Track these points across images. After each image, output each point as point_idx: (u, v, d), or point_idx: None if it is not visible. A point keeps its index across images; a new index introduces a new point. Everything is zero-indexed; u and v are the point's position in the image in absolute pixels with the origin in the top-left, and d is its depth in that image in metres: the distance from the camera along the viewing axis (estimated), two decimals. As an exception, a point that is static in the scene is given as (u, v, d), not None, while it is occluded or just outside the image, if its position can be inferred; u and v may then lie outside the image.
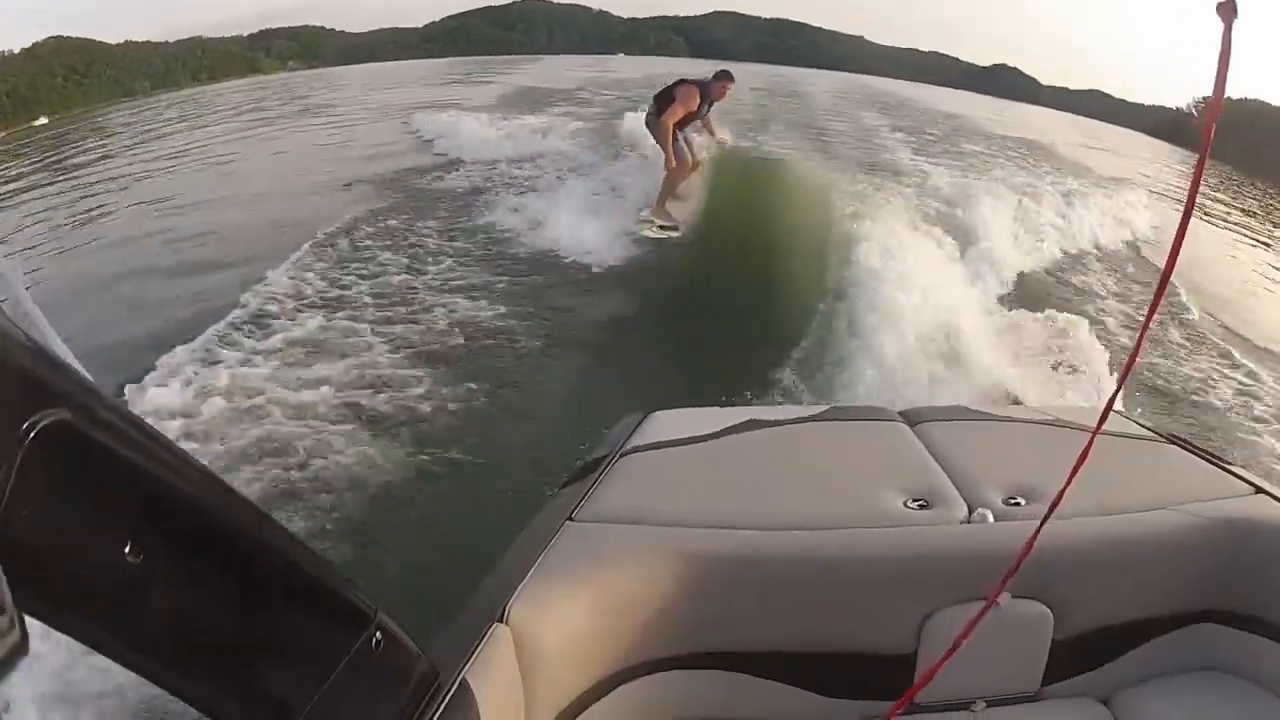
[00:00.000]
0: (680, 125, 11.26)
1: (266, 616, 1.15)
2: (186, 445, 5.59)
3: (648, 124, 11.69)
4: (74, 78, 71.06)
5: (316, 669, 1.22)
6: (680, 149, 11.32)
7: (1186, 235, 1.36)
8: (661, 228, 11.11)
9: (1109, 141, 44.57)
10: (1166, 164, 40.53)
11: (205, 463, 1.05)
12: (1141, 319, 10.77)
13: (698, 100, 11.16)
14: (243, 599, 1.10)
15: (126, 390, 6.67)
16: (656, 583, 2.14)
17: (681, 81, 11.37)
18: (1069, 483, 1.65)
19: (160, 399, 6.60)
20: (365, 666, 1.30)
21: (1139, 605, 2.39)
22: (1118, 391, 1.65)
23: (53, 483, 0.80)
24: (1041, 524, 1.71)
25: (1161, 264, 13.89)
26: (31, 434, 0.77)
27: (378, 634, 1.33)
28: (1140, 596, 2.38)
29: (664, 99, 11.19)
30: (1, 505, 0.75)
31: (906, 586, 2.24)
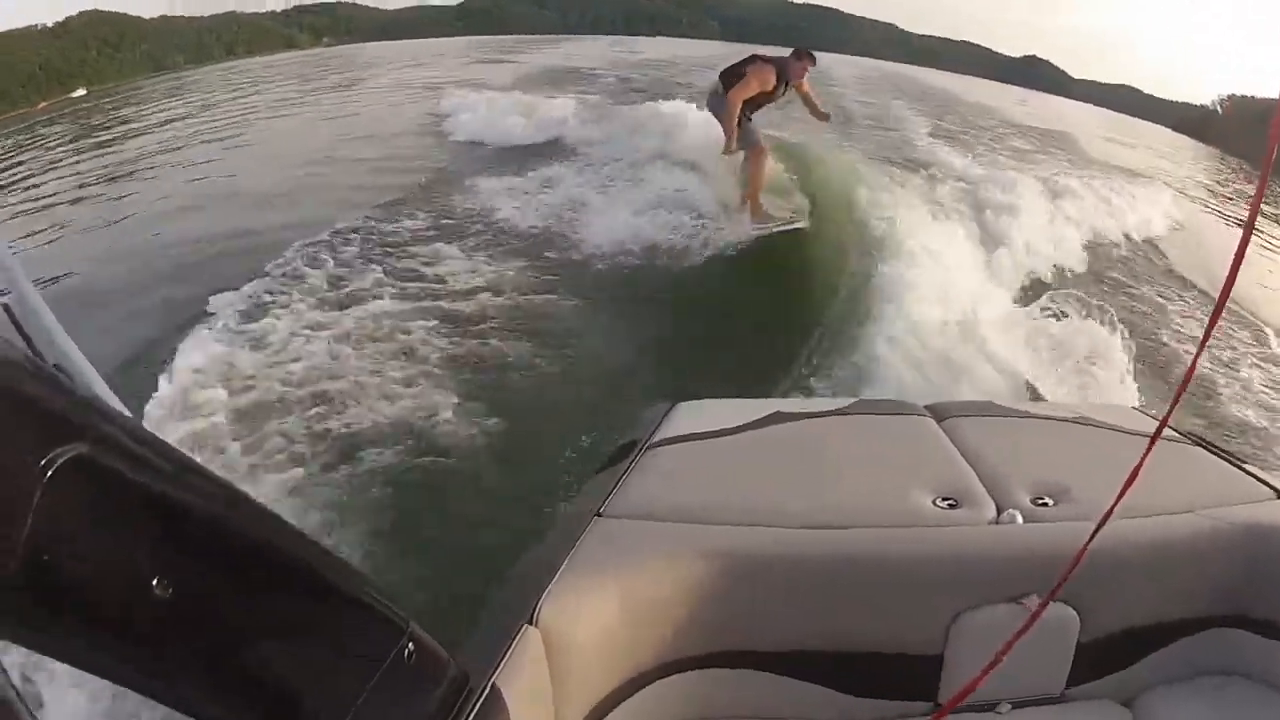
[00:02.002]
0: (750, 106, 9.93)
1: (301, 637, 1.14)
2: (214, 442, 5.69)
3: (710, 106, 10.40)
4: (106, 51, 71.13)
5: (351, 686, 1.21)
6: (751, 132, 10.07)
7: (1243, 244, 1.36)
8: (777, 229, 9.71)
9: (1136, 136, 44.04)
10: (1192, 160, 40.13)
11: (229, 475, 1.07)
12: (1165, 319, 10.81)
13: (774, 80, 9.77)
14: (277, 621, 1.08)
15: (160, 382, 6.61)
16: (685, 581, 2.14)
17: (755, 57, 9.98)
18: (1122, 493, 1.67)
19: (182, 394, 6.56)
20: (399, 679, 1.30)
21: (1163, 609, 2.40)
22: (1175, 403, 1.66)
23: (73, 522, 0.77)
24: (1091, 537, 1.74)
25: (1184, 262, 13.89)
26: (49, 473, 0.74)
27: (410, 645, 1.33)
28: (1164, 600, 2.40)
29: (732, 75, 9.88)
30: (20, 549, 0.72)
31: (935, 587, 2.25)
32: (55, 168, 20.34)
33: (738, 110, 9.71)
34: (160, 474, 0.87)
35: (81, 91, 50.20)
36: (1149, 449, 1.61)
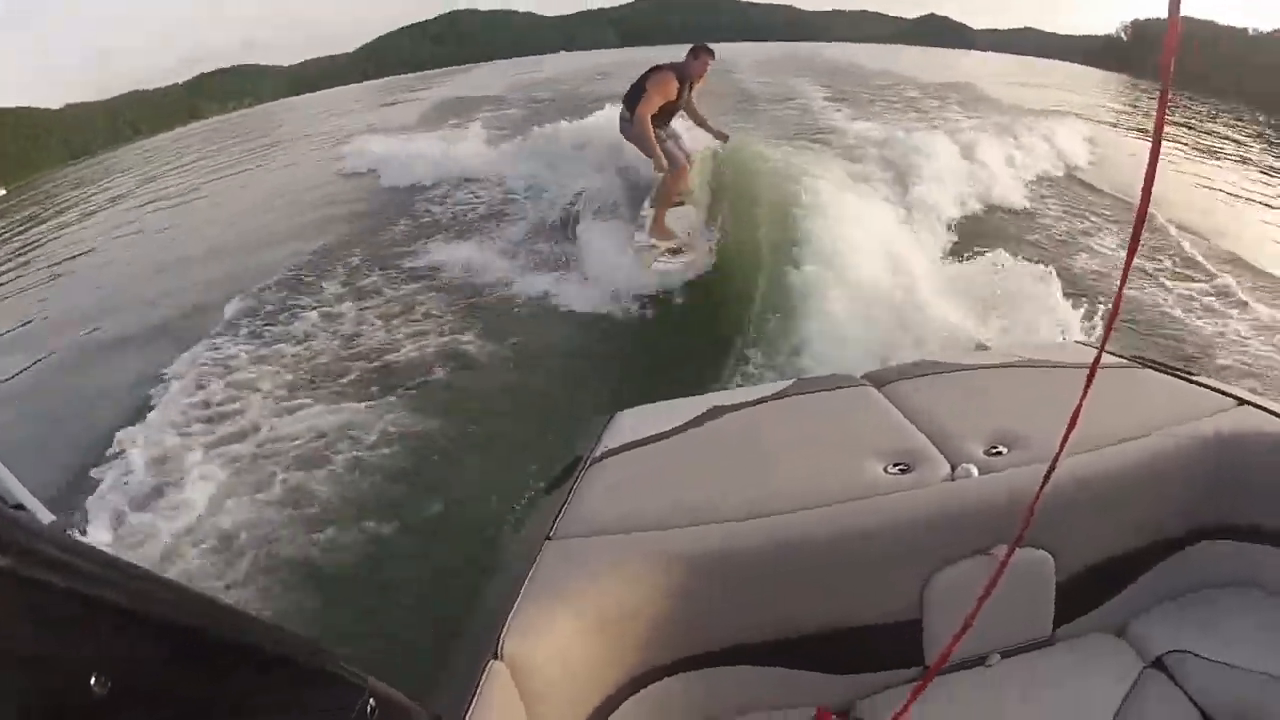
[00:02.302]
0: (660, 117, 9.40)
1: (251, 715, 1.09)
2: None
3: (622, 131, 9.83)
4: (24, 147, 70.83)
5: None
6: (670, 149, 9.44)
7: (1153, 163, 1.37)
8: (671, 252, 9.13)
9: (1043, 76, 44.82)
10: (1101, 90, 40.88)
11: (158, 566, 0.98)
12: (1090, 245, 10.91)
13: (675, 86, 9.27)
14: (225, 704, 1.03)
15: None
16: (647, 591, 2.11)
17: (653, 69, 9.43)
18: (1070, 429, 1.67)
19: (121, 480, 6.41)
20: None
21: (1137, 534, 2.41)
22: (1109, 332, 1.66)
23: (7, 633, 0.75)
24: (1046, 478, 1.75)
25: (1103, 188, 14.08)
26: None
27: (371, 701, 1.28)
28: (1137, 525, 2.40)
29: (635, 94, 9.38)
30: None
31: (902, 553, 2.23)
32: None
33: (649, 127, 9.19)
34: (87, 576, 0.84)
35: (1, 192, 49.71)
36: (1089, 381, 1.62)
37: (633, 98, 9.39)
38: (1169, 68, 1.28)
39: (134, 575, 0.91)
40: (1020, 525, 1.80)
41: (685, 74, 9.39)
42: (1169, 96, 1.38)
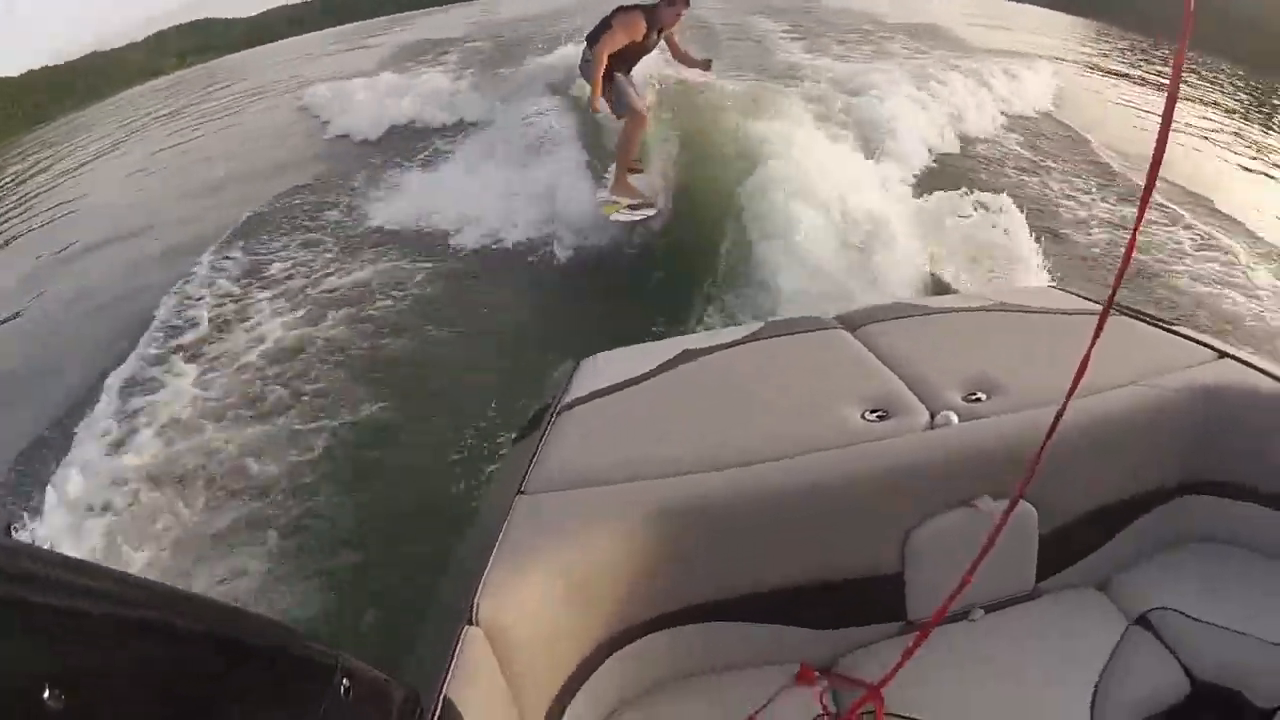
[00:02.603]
0: (621, 61, 8.90)
1: (221, 706, 1.03)
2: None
3: (581, 70, 9.27)
4: None
5: None
6: (626, 93, 8.92)
7: (1167, 115, 1.33)
8: (631, 208, 8.81)
9: (1008, 19, 44.69)
10: (1068, 34, 40.82)
11: (114, 560, 0.89)
12: (1062, 189, 10.87)
13: (643, 28, 8.70)
14: (192, 698, 0.98)
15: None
16: (623, 547, 2.07)
17: (620, 8, 8.84)
18: (1077, 379, 1.62)
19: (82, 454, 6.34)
20: (341, 717, 1.20)
21: (1120, 487, 2.41)
22: (1118, 283, 1.60)
23: None
24: (1051, 430, 1.70)
25: (1073, 133, 14.02)
26: None
27: (345, 681, 1.23)
28: (1120, 478, 2.40)
29: (598, 32, 8.83)
30: None
31: (883, 504, 2.20)
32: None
33: (603, 64, 8.61)
34: (33, 581, 0.79)
35: None
36: (1097, 332, 1.57)
37: (595, 36, 8.86)
38: (1189, 19, 1.24)
39: (87, 574, 0.88)
40: (1025, 476, 1.74)
41: (655, 19, 8.80)
42: (1183, 63, 1.36)
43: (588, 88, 9.29)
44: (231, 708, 1.04)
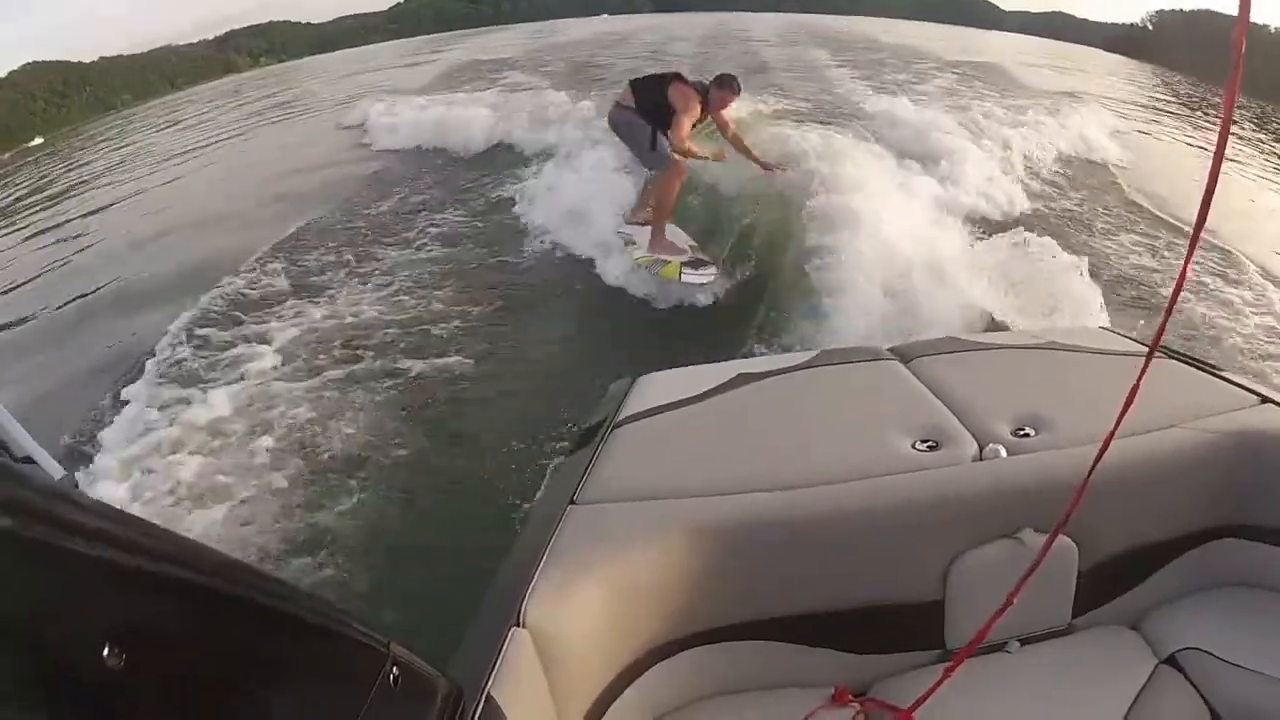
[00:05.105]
0: (663, 126, 8.48)
1: (274, 683, 1.04)
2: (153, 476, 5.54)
3: (613, 119, 9.01)
4: (54, 100, 71.75)
5: None
6: (664, 148, 8.48)
7: (1216, 162, 1.32)
8: (688, 265, 8.32)
9: (1069, 60, 44.39)
10: (1127, 78, 40.51)
11: (174, 524, 0.92)
12: (1113, 233, 10.84)
13: (698, 110, 8.49)
14: (245, 671, 0.98)
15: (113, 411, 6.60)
16: (670, 560, 2.08)
17: (676, 78, 8.61)
18: (1121, 416, 1.62)
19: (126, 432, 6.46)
20: (387, 705, 1.21)
21: (1159, 527, 2.39)
22: (1164, 325, 1.61)
23: (10, 600, 0.70)
24: (1095, 464, 1.69)
25: (1121, 176, 14.01)
26: None
27: (394, 669, 1.24)
28: (1160, 518, 2.38)
29: (655, 102, 8.48)
30: None
31: (928, 532, 2.20)
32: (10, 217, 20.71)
33: (689, 148, 8.41)
34: (100, 536, 0.77)
35: (39, 140, 51.18)
36: (1143, 371, 1.57)
37: (649, 101, 8.56)
38: (1239, 66, 1.23)
39: (150, 535, 0.87)
40: (1065, 511, 1.75)
41: (708, 99, 8.58)
42: (1234, 106, 1.35)
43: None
44: (284, 683, 1.05)
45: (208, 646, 0.90)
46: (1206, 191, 1.38)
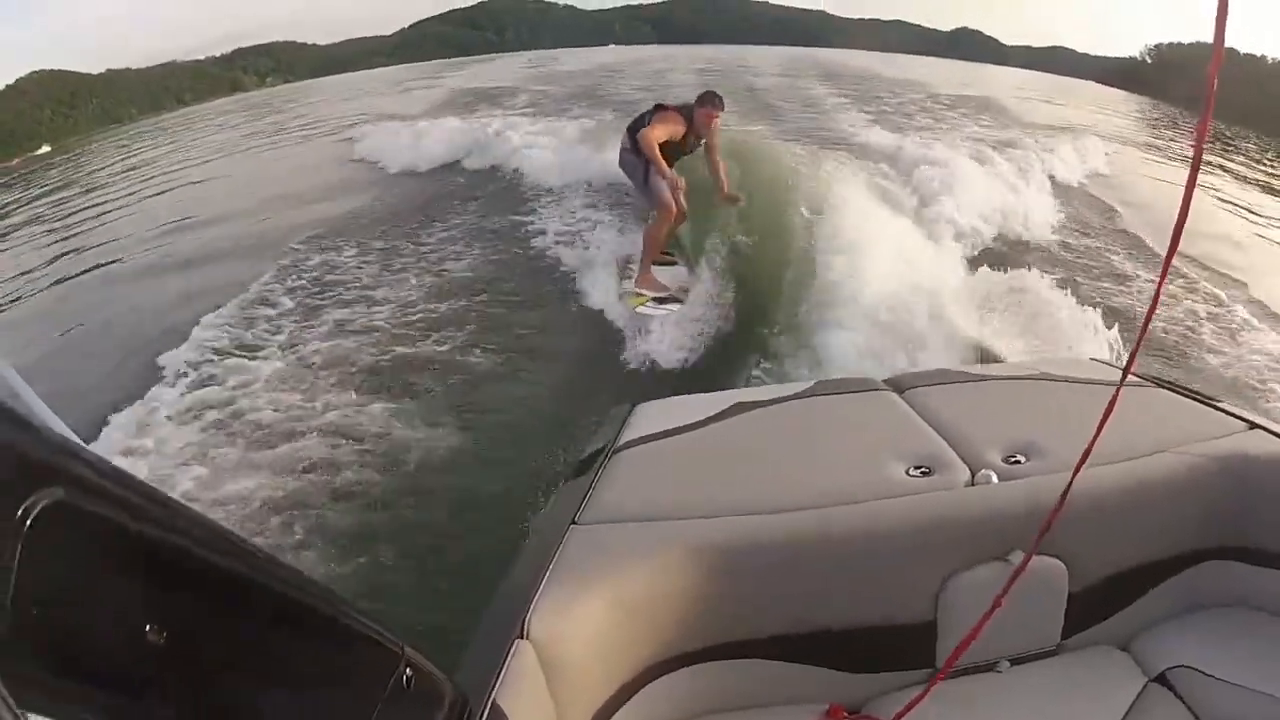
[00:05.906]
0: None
1: (299, 674, 1.07)
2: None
3: (621, 163, 9.12)
4: (60, 110, 72.14)
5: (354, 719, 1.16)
6: (658, 186, 8.49)
7: (1189, 188, 1.36)
8: (658, 300, 8.35)
9: (1067, 94, 44.55)
10: (1124, 110, 40.67)
11: (210, 514, 0.98)
12: (1109, 263, 10.92)
13: (682, 129, 8.52)
14: (274, 661, 1.01)
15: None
16: (671, 579, 2.12)
17: (659, 106, 8.78)
18: (1094, 440, 1.66)
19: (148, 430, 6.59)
20: (400, 706, 1.23)
21: (1149, 550, 2.42)
22: (1136, 349, 1.63)
23: (59, 571, 0.71)
24: (1067, 487, 1.74)
25: (1121, 207, 14.10)
26: (28, 521, 0.67)
27: (408, 670, 1.26)
28: (1149, 541, 2.42)
29: (638, 126, 8.68)
30: (7, 601, 0.65)
31: (921, 555, 2.24)
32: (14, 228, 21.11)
33: (655, 146, 8.33)
34: (143, 515, 0.80)
35: (46, 149, 52.26)
36: (1115, 395, 1.61)
37: (635, 128, 8.74)
38: (1212, 91, 1.26)
39: (186, 517, 0.87)
40: (1039, 532, 1.81)
41: (693, 123, 8.55)
42: (1208, 128, 1.36)
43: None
44: (306, 673, 1.08)
45: (240, 632, 0.94)
46: (1177, 226, 1.43)
